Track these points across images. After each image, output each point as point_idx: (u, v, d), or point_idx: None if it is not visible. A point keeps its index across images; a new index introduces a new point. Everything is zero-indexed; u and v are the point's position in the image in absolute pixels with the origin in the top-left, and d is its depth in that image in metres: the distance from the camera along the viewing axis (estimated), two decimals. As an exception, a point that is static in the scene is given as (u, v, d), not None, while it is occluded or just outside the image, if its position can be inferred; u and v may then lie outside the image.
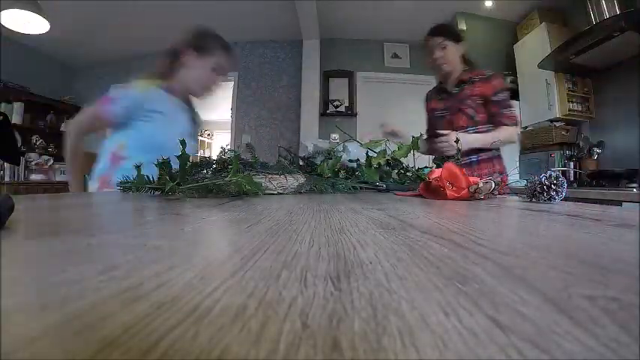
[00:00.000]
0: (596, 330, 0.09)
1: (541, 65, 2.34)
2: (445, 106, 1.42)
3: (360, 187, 0.91)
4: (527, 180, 0.59)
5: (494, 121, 1.30)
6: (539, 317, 0.09)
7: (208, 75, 1.09)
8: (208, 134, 6.73)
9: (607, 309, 0.10)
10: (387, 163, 1.00)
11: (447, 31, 1.36)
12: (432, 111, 1.49)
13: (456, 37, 1.35)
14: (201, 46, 1.08)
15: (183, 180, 0.59)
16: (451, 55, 1.34)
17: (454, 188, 0.60)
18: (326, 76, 3.62)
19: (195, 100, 1.22)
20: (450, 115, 1.39)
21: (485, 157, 1.34)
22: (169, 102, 1.09)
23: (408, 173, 1.00)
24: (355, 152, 1.04)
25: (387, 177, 0.99)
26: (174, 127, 1.09)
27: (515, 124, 1.30)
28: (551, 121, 2.42)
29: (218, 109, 6.01)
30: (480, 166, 1.34)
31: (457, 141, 1.04)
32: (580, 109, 2.36)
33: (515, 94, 2.74)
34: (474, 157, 1.34)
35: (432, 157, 1.34)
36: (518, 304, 0.11)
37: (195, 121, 1.23)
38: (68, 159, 1.07)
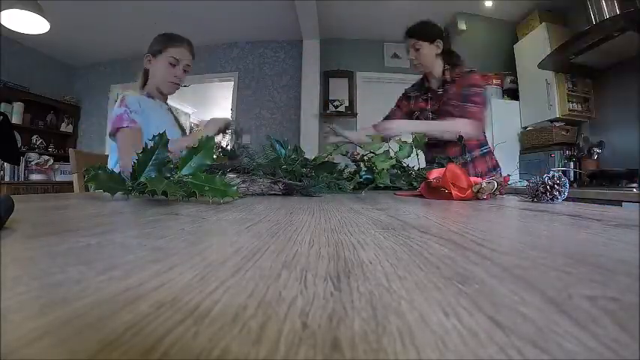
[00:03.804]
0: (596, 330, 0.09)
1: (541, 65, 2.34)
2: (432, 108, 1.39)
3: (360, 188, 0.90)
4: (528, 180, 0.59)
5: (454, 114, 1.25)
6: (539, 317, 0.09)
7: (168, 71, 1.21)
8: (208, 134, 6.71)
9: (607, 309, 0.10)
10: (393, 166, 0.99)
11: (419, 31, 1.33)
12: (415, 110, 1.45)
13: (429, 36, 1.31)
14: (154, 48, 1.21)
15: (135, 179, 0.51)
16: (425, 55, 1.32)
17: (458, 188, 0.61)
18: (326, 76, 3.62)
19: (171, 100, 1.37)
20: (439, 118, 1.35)
21: (479, 153, 1.32)
22: (154, 105, 1.21)
23: (411, 173, 1.00)
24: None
25: (395, 178, 0.99)
26: (165, 127, 1.16)
27: (475, 119, 1.22)
28: (551, 121, 2.42)
29: (218, 109, 6.03)
30: (477, 163, 1.31)
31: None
32: (580, 109, 2.36)
33: (515, 94, 2.74)
34: (468, 156, 1.29)
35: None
36: (518, 304, 0.11)
37: (178, 122, 1.36)
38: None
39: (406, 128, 1.24)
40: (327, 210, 0.41)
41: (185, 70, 1.25)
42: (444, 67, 1.33)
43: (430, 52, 1.32)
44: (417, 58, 1.34)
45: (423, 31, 1.33)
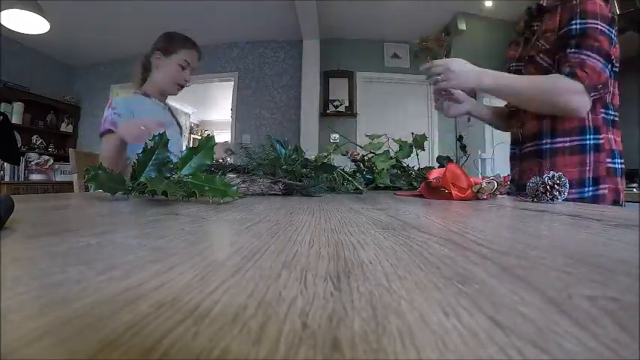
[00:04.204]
0: (596, 330, 0.09)
1: (541, 65, 2.34)
2: (520, 55, 0.92)
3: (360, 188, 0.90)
4: (528, 180, 0.59)
5: (547, 65, 0.78)
6: (539, 317, 0.09)
7: (177, 72, 1.20)
8: (208, 134, 6.73)
9: (607, 309, 0.10)
10: (393, 166, 0.99)
11: None
12: (507, 63, 1.00)
13: None
14: (166, 47, 1.19)
15: (135, 178, 0.51)
16: None
17: (458, 188, 0.61)
18: (326, 76, 3.63)
19: (170, 99, 1.33)
20: (524, 68, 0.88)
21: (574, 144, 0.79)
22: (149, 104, 1.19)
23: (411, 173, 1.00)
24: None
25: (395, 178, 0.99)
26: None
27: (583, 78, 0.70)
28: (552, 121, 2.41)
29: (218, 109, 6.03)
30: (558, 159, 0.79)
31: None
32: (580, 109, 2.35)
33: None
34: (546, 143, 0.80)
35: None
36: (518, 304, 0.11)
37: (176, 120, 1.34)
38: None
39: (476, 81, 0.77)
40: (327, 210, 0.41)
41: (192, 73, 1.25)
42: None
43: None
44: None
45: None
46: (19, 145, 3.13)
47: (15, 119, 3.37)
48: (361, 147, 1.09)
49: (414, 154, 1.06)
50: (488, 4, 2.86)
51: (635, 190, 1.57)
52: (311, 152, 1.12)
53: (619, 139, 0.81)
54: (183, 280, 0.13)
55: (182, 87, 1.24)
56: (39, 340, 0.08)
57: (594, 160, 0.77)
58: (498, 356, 0.07)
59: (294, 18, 3.08)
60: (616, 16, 0.78)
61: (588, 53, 0.71)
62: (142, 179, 0.50)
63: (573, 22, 0.74)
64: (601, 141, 0.78)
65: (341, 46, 3.67)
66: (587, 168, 0.77)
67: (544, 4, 0.84)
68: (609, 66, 0.73)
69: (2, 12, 2.11)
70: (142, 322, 0.09)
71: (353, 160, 1.12)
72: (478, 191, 0.60)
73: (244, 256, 0.16)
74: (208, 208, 0.40)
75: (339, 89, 3.64)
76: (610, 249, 0.19)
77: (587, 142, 0.78)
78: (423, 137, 1.07)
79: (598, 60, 0.71)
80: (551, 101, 0.74)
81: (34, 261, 0.15)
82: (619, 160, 0.80)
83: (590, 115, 0.77)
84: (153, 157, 0.53)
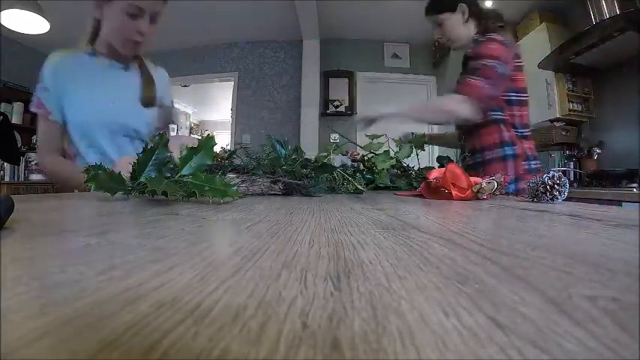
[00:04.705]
0: (596, 330, 0.09)
1: (541, 65, 2.34)
2: None
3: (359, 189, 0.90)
4: (529, 180, 0.60)
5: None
6: (539, 317, 0.09)
7: (123, 23, 0.84)
8: (208, 134, 6.73)
9: (607, 309, 0.10)
10: (393, 166, 0.99)
11: (436, 3, 1.13)
12: None
13: (450, 3, 1.09)
14: None
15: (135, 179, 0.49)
16: (450, 28, 1.10)
17: (458, 188, 0.61)
18: (326, 76, 3.62)
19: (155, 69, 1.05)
20: None
21: (499, 155, 1.06)
22: (95, 66, 0.91)
23: (411, 173, 1.00)
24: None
25: (395, 178, 0.99)
26: (109, 93, 0.91)
27: (470, 95, 0.98)
28: (551, 121, 2.42)
29: (218, 109, 6.03)
30: (492, 167, 1.06)
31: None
32: (580, 109, 2.36)
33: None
34: (480, 157, 1.10)
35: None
36: (518, 304, 0.11)
37: (148, 88, 0.99)
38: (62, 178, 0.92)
39: (388, 111, 1.08)
40: (327, 210, 0.41)
41: (153, 21, 0.87)
42: (475, 36, 1.09)
43: (455, 22, 1.09)
44: (443, 35, 1.13)
45: (440, 2, 1.12)
46: (19, 145, 3.13)
47: (15, 119, 3.37)
48: (361, 147, 1.09)
49: (414, 154, 1.06)
50: (488, 4, 2.86)
51: (635, 190, 1.57)
52: (311, 152, 1.12)
53: (532, 146, 1.09)
54: (183, 280, 0.13)
55: (137, 43, 0.88)
56: (39, 340, 0.08)
57: (515, 164, 1.05)
58: (498, 356, 0.07)
59: (294, 18, 3.08)
60: (521, 55, 1.10)
61: (471, 76, 0.99)
62: (142, 179, 0.50)
63: (471, 62, 1.02)
64: (517, 150, 1.06)
65: (341, 46, 3.67)
66: (511, 170, 1.04)
67: (468, 52, 1.09)
68: (493, 86, 0.99)
69: (2, 12, 2.11)
70: (142, 322, 0.09)
71: (353, 160, 1.12)
72: (478, 191, 0.60)
73: (244, 256, 0.16)
74: (208, 208, 0.40)
75: (339, 89, 3.64)
76: (610, 249, 0.19)
77: (507, 152, 1.06)
78: (422, 137, 1.07)
79: (477, 79, 0.98)
80: (442, 111, 1.05)
81: (34, 261, 0.15)
82: (533, 162, 1.07)
83: (505, 133, 1.06)
84: (153, 157, 0.53)
